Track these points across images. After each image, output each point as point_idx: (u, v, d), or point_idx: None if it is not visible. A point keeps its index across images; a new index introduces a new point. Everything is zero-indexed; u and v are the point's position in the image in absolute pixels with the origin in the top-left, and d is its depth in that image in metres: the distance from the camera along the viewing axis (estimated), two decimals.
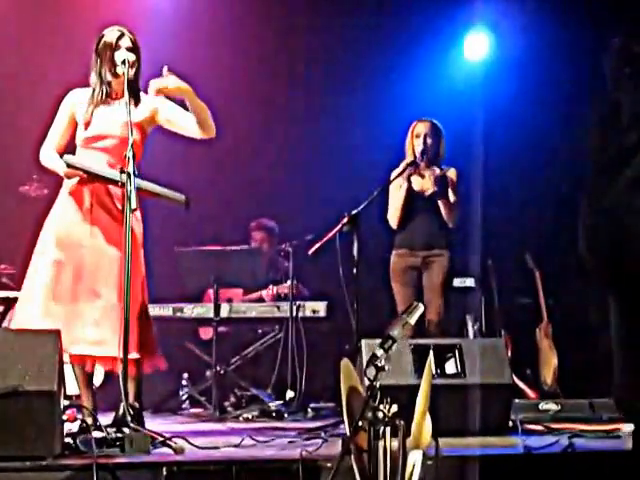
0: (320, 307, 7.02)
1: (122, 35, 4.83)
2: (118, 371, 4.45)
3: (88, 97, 4.88)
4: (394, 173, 6.26)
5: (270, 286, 7.42)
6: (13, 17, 8.02)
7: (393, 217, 6.28)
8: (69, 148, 4.93)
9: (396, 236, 6.35)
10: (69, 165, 4.71)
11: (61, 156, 4.82)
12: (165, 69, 4.68)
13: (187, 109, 4.82)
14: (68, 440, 4.06)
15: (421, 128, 6.27)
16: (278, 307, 7.11)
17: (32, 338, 4.06)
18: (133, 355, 4.61)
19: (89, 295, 4.68)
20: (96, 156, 4.78)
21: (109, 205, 4.78)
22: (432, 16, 8.24)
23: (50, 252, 4.74)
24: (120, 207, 4.72)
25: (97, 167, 4.72)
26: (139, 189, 4.63)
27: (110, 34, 4.85)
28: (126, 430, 4.18)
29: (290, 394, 6.84)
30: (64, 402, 4.30)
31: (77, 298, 4.68)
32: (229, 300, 7.29)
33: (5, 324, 6.31)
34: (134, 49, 4.84)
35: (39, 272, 4.74)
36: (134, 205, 4.40)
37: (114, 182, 4.64)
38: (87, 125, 4.84)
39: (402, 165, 6.25)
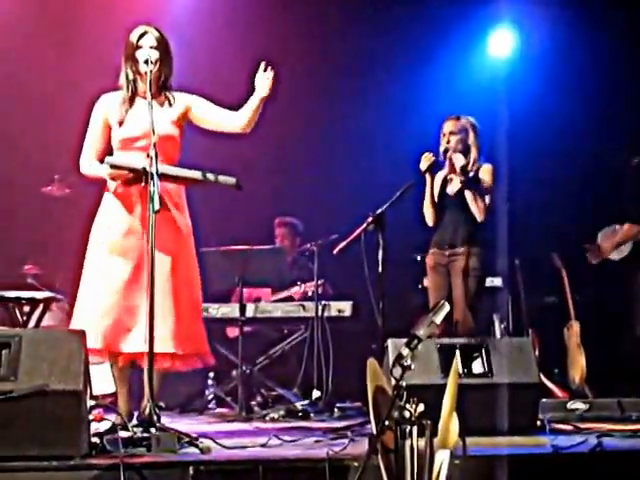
0: (346, 307, 7.01)
1: (144, 33, 4.81)
2: (175, 368, 4.71)
3: (119, 99, 4.86)
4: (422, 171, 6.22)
5: (299, 283, 7.42)
6: (38, 21, 8.06)
7: (425, 215, 6.26)
8: (108, 153, 4.89)
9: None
10: (112, 166, 4.68)
11: (101, 162, 4.79)
12: (263, 66, 4.79)
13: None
14: (95, 440, 4.07)
15: (446, 127, 6.24)
16: (304, 307, 7.11)
17: (58, 338, 4.07)
18: (179, 351, 4.70)
19: (141, 296, 4.66)
20: (135, 156, 4.73)
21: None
22: (457, 13, 8.22)
23: (104, 258, 4.73)
24: (171, 205, 4.78)
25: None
26: (188, 179, 4.72)
27: (133, 33, 4.84)
28: (153, 430, 4.18)
29: (316, 394, 6.84)
30: (90, 402, 4.30)
31: (135, 300, 4.67)
32: (257, 299, 7.30)
33: (31, 324, 6.35)
34: (159, 46, 4.80)
35: (95, 279, 4.73)
36: (157, 206, 4.38)
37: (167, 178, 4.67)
38: (121, 125, 4.82)
39: (423, 164, 6.20)
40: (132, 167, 4.65)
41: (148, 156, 4.50)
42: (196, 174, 4.74)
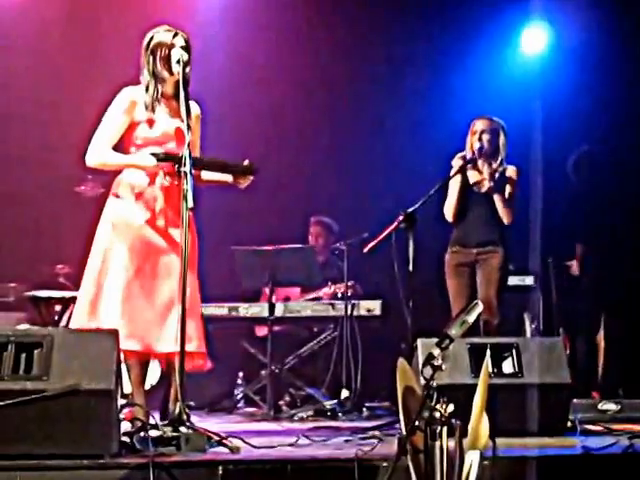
0: (375, 306, 7.00)
1: (176, 34, 4.84)
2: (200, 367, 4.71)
3: (143, 96, 4.84)
4: (452, 171, 6.22)
5: (329, 283, 7.42)
6: (61, 19, 8.10)
7: (448, 211, 6.23)
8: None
9: (452, 233, 6.31)
10: (166, 159, 4.66)
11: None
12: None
13: None
14: (125, 439, 4.08)
15: (479, 125, 6.23)
16: (333, 306, 7.11)
17: (90, 337, 4.10)
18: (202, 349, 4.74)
19: (170, 295, 4.68)
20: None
21: (178, 205, 4.68)
22: (490, 11, 8.18)
23: (125, 257, 4.70)
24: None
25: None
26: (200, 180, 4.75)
27: (164, 33, 4.83)
28: (182, 429, 4.19)
29: (345, 393, 6.83)
30: (121, 401, 4.32)
31: (157, 299, 4.68)
32: (287, 299, 7.30)
33: (62, 323, 6.39)
34: (188, 48, 4.83)
35: (117, 278, 4.69)
36: (191, 204, 4.40)
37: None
38: (151, 124, 4.81)
39: (457, 162, 6.20)
40: (215, 161, 4.79)
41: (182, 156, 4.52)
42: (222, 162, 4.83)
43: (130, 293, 4.65)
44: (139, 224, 4.74)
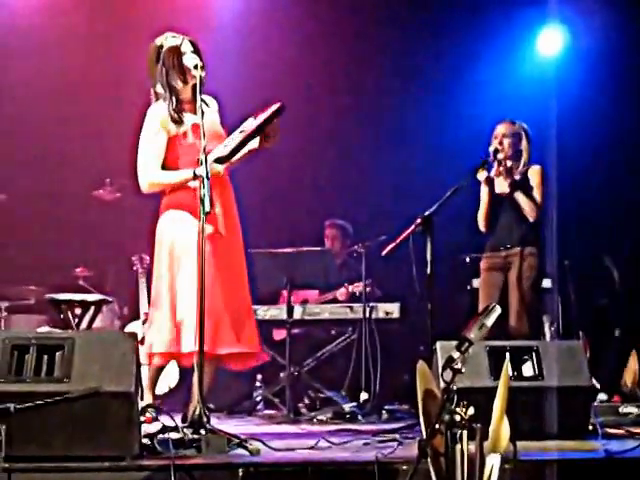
0: (393, 308, 7.01)
1: (182, 40, 4.84)
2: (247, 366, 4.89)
3: (168, 109, 4.85)
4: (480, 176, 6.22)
5: (345, 284, 7.43)
6: (80, 32, 8.14)
7: (479, 220, 6.29)
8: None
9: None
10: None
11: None
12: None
13: None
14: (146, 441, 4.10)
15: (498, 129, 6.25)
16: (351, 308, 7.12)
17: (110, 339, 4.12)
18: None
19: (224, 298, 4.73)
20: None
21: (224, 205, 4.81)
22: (505, 12, 8.17)
23: (185, 265, 4.74)
24: (233, 211, 4.91)
25: None
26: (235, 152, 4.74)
27: (171, 40, 4.84)
28: (203, 431, 4.21)
29: (364, 396, 6.83)
30: (141, 403, 4.34)
31: (215, 303, 4.69)
32: (304, 301, 7.32)
33: (83, 326, 6.43)
34: (197, 52, 4.83)
35: (174, 287, 4.75)
36: (208, 208, 4.41)
37: None
38: (185, 135, 4.84)
39: (481, 175, 6.19)
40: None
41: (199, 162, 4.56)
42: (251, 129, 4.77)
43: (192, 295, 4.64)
44: (193, 234, 4.70)
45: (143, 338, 4.85)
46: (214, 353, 4.69)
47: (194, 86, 4.73)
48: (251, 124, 4.77)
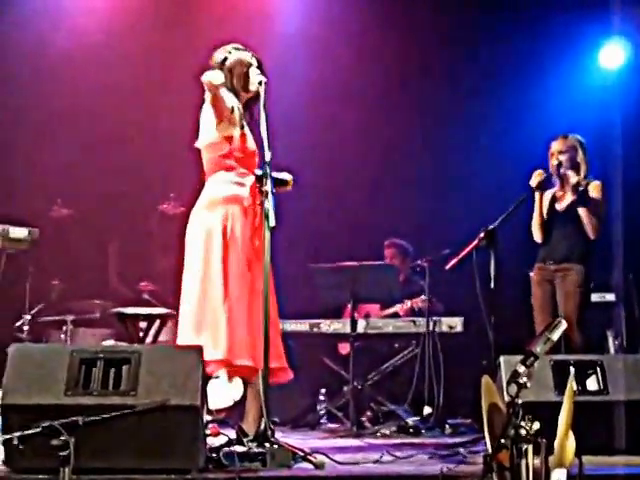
0: (457, 323, 6.99)
1: (252, 56, 4.92)
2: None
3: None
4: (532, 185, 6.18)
5: (405, 300, 7.43)
6: (162, 43, 8.25)
7: (534, 232, 6.24)
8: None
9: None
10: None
11: None
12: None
13: None
14: (211, 454, 4.13)
15: (553, 146, 6.22)
16: (414, 322, 7.11)
17: (176, 353, 4.16)
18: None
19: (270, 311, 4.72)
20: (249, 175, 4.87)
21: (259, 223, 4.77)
22: (569, 26, 8.13)
23: (241, 275, 4.76)
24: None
25: None
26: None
27: (243, 52, 4.92)
28: (268, 445, 4.22)
29: (427, 410, 6.81)
30: (207, 417, 4.37)
31: (259, 315, 4.67)
32: (367, 315, 7.33)
33: (148, 340, 6.50)
34: (261, 69, 4.90)
35: (237, 297, 4.74)
36: (273, 223, 4.45)
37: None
38: (244, 138, 4.90)
39: (534, 180, 6.16)
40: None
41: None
42: (288, 176, 4.88)
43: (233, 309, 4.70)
44: (245, 245, 4.80)
45: None
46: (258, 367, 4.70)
47: (247, 100, 4.88)
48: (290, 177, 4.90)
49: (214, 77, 4.64)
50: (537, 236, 6.24)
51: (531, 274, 6.35)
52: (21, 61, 8.03)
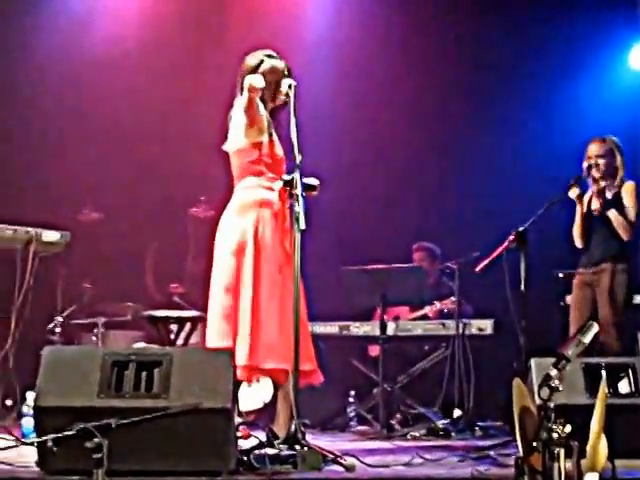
0: (487, 325, 6.97)
1: (285, 65, 4.97)
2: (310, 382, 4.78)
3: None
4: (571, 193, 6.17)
5: (434, 302, 7.42)
6: (183, 46, 8.30)
7: (575, 239, 6.27)
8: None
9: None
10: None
11: None
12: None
13: None
14: (242, 456, 4.15)
15: (591, 150, 6.18)
16: (444, 325, 7.10)
17: (207, 356, 4.17)
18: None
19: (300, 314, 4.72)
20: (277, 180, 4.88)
21: (289, 227, 4.80)
22: (599, 28, 8.10)
23: (272, 278, 4.80)
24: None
25: None
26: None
27: (276, 60, 4.96)
28: (298, 447, 4.23)
29: (457, 412, 6.80)
30: (238, 419, 4.39)
31: (290, 317, 4.66)
32: (396, 318, 7.33)
33: (179, 342, 6.52)
34: (290, 76, 4.93)
35: (268, 300, 4.78)
36: (303, 226, 4.47)
37: None
38: (272, 144, 4.93)
39: (573, 194, 6.14)
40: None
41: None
42: (315, 181, 4.86)
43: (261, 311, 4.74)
44: (276, 248, 4.83)
45: None
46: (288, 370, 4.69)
47: (273, 108, 4.93)
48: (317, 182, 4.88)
49: (256, 81, 4.69)
50: (578, 242, 6.25)
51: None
52: (49, 64, 8.10)
